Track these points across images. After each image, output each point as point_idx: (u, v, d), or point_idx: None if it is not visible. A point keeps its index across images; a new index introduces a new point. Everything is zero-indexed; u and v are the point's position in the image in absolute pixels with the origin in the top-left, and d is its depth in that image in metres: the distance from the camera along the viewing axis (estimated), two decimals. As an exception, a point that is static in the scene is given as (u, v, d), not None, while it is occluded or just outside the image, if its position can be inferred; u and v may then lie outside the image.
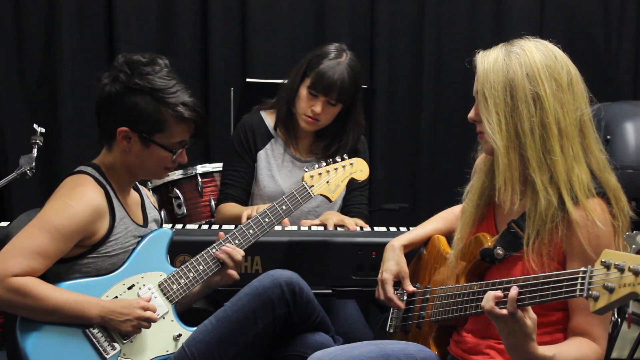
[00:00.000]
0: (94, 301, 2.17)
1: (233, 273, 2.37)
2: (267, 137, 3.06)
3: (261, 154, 3.05)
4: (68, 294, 2.15)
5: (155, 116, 2.22)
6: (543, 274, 1.73)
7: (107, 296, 2.23)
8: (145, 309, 2.20)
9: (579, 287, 1.62)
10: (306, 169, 2.57)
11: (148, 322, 2.21)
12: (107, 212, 2.23)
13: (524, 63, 1.90)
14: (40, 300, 2.11)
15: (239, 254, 2.37)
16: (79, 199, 2.19)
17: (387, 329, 2.32)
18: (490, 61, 1.94)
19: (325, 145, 3.03)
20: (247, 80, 3.64)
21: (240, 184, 3.04)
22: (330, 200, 2.63)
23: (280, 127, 3.05)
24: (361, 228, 2.83)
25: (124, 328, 2.19)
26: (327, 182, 2.56)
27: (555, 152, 1.87)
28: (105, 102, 2.25)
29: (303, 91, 2.93)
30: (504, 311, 1.71)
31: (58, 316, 2.14)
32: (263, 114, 3.09)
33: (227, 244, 2.37)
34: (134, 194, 2.41)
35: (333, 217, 2.82)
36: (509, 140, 1.90)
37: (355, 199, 3.03)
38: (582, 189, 1.86)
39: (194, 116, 2.26)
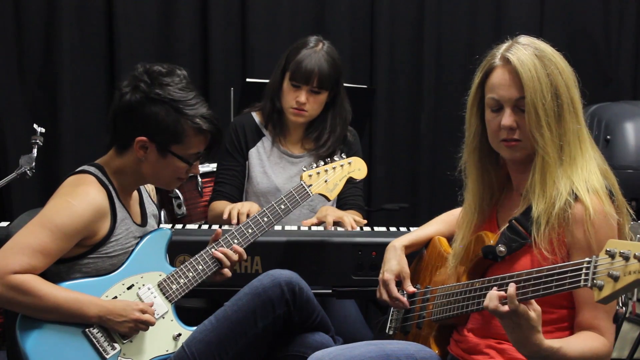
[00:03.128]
0: (94, 301, 2.17)
1: (227, 272, 2.37)
2: (257, 136, 3.08)
3: (253, 152, 3.06)
4: (68, 292, 2.16)
5: (175, 127, 2.23)
6: (546, 267, 1.74)
7: (107, 296, 2.23)
8: (144, 311, 2.20)
9: (583, 277, 1.62)
10: (304, 168, 2.57)
11: (145, 325, 2.20)
12: (108, 212, 2.23)
13: (559, 68, 1.91)
14: (40, 298, 2.11)
15: (234, 254, 2.37)
16: (81, 198, 2.19)
17: (387, 331, 2.32)
18: (530, 67, 1.90)
19: (316, 137, 3.04)
20: (247, 80, 3.64)
21: (232, 182, 3.05)
22: (328, 199, 2.63)
23: (269, 125, 3.06)
24: (361, 228, 2.83)
25: (121, 329, 2.19)
26: (326, 181, 2.57)
27: (580, 157, 1.90)
28: (124, 110, 2.25)
29: (286, 85, 2.96)
30: (506, 307, 1.71)
31: (57, 314, 2.14)
32: (253, 114, 3.11)
33: (221, 247, 2.37)
34: (133, 192, 2.42)
35: (331, 214, 2.82)
36: (557, 150, 1.90)
37: (349, 191, 3.03)
38: (593, 185, 1.88)
39: (212, 128, 2.27)
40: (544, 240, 1.88)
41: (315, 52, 2.94)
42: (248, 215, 2.75)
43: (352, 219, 2.79)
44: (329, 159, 2.62)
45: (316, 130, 3.04)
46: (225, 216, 2.78)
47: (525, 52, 1.93)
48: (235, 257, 2.36)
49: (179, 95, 2.24)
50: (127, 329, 2.19)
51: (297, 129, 3.06)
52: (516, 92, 1.92)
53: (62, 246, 2.16)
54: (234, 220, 2.75)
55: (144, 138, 2.23)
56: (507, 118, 1.94)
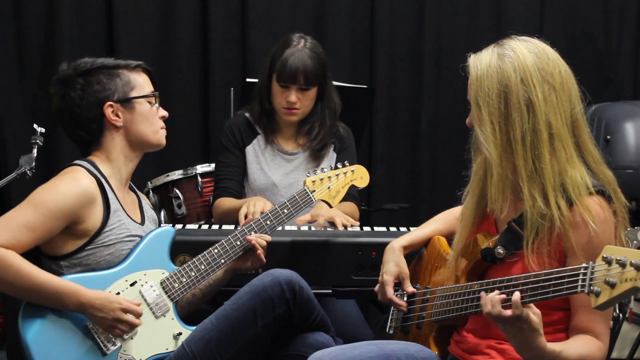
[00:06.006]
0: (76, 289, 2.16)
1: (262, 257, 2.42)
2: (252, 134, 3.10)
3: (249, 149, 3.08)
4: (51, 277, 2.16)
5: (121, 79, 2.34)
6: (544, 272, 1.73)
7: (110, 292, 2.24)
8: (126, 311, 2.19)
9: (580, 283, 1.62)
10: (308, 174, 2.58)
11: (127, 325, 2.19)
12: (98, 200, 2.25)
13: (517, 67, 1.88)
14: (21, 276, 2.12)
15: (265, 240, 2.43)
16: (68, 181, 2.23)
17: (387, 330, 2.32)
18: (483, 66, 1.92)
19: (308, 131, 3.06)
20: (247, 80, 3.64)
21: (233, 177, 3.06)
22: (330, 206, 2.64)
23: (260, 126, 3.08)
24: (361, 228, 2.83)
25: (99, 324, 2.19)
26: (329, 188, 2.58)
27: (544, 158, 1.86)
28: (77, 102, 2.32)
29: (275, 87, 2.98)
30: (509, 312, 1.70)
31: (36, 295, 2.15)
32: (247, 114, 3.12)
33: (250, 234, 2.42)
34: (130, 193, 2.44)
35: (323, 214, 2.82)
36: (502, 149, 1.89)
37: None
38: (576, 190, 1.86)
39: (143, 63, 2.40)
40: (533, 253, 1.87)
41: (298, 50, 2.96)
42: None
43: (343, 219, 2.80)
44: (331, 165, 2.62)
45: (308, 124, 3.06)
46: (242, 220, 2.76)
47: (490, 51, 1.94)
48: (264, 243, 2.43)
49: (102, 60, 2.37)
50: (105, 326, 2.18)
51: (290, 127, 3.09)
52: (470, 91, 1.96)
53: (47, 223, 2.17)
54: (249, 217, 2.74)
55: (109, 102, 2.31)
56: (468, 117, 1.99)
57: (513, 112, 1.87)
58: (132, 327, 2.21)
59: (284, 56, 2.95)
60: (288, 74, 2.93)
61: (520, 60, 1.89)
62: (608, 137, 3.54)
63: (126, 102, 2.33)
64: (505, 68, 1.89)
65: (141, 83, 2.38)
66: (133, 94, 2.35)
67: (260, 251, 2.42)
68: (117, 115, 2.32)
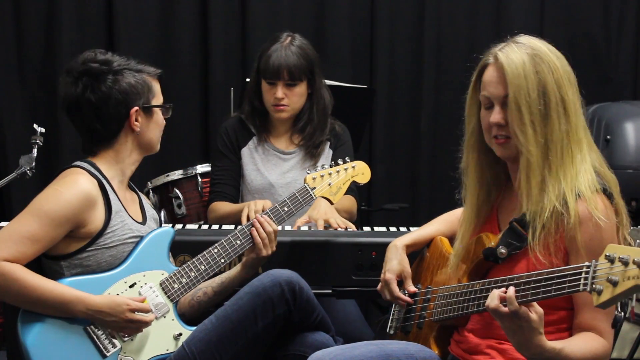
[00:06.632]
0: (82, 297, 2.16)
1: (258, 241, 2.40)
2: (248, 135, 3.10)
3: (244, 151, 3.08)
4: (55, 286, 2.15)
5: (145, 84, 2.34)
6: (546, 270, 1.73)
7: (109, 294, 2.23)
8: (135, 310, 2.19)
9: (582, 281, 1.62)
10: (308, 171, 2.57)
11: (138, 324, 2.20)
12: (100, 202, 2.24)
13: (551, 67, 1.89)
14: (26, 288, 2.11)
15: (269, 226, 2.41)
16: (69, 185, 2.21)
17: (388, 330, 2.32)
18: (518, 66, 1.89)
19: (301, 128, 3.06)
20: (247, 80, 3.64)
21: (228, 181, 3.06)
22: (331, 203, 2.63)
23: (253, 126, 3.08)
24: (361, 228, 2.83)
25: (112, 328, 2.19)
26: (329, 184, 2.57)
27: (573, 158, 1.88)
28: (104, 99, 2.27)
29: (263, 85, 3.00)
30: (506, 309, 1.71)
31: (42, 307, 2.14)
32: (242, 116, 3.12)
33: (261, 217, 2.42)
34: (131, 193, 2.43)
35: (321, 217, 2.81)
36: (542, 150, 1.89)
37: None
38: (587, 188, 1.87)
39: (161, 71, 2.41)
40: (539, 244, 1.87)
41: (283, 46, 2.96)
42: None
43: (339, 221, 2.79)
44: (332, 162, 2.62)
45: (300, 122, 3.06)
46: (244, 222, 2.75)
47: (517, 50, 1.92)
48: (269, 228, 2.41)
49: (124, 59, 2.35)
50: (118, 328, 2.19)
51: (283, 125, 3.08)
52: (503, 89, 1.93)
53: (50, 233, 2.16)
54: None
55: (136, 108, 2.30)
56: (495, 115, 1.95)
57: (552, 113, 1.88)
58: (145, 325, 2.21)
59: (268, 53, 2.96)
60: (271, 70, 2.93)
61: (550, 59, 1.90)
62: (608, 137, 3.54)
63: (148, 109, 2.34)
64: (541, 68, 1.89)
65: (158, 91, 2.38)
66: (154, 101, 2.36)
67: (255, 229, 2.40)
68: (137, 120, 2.32)
